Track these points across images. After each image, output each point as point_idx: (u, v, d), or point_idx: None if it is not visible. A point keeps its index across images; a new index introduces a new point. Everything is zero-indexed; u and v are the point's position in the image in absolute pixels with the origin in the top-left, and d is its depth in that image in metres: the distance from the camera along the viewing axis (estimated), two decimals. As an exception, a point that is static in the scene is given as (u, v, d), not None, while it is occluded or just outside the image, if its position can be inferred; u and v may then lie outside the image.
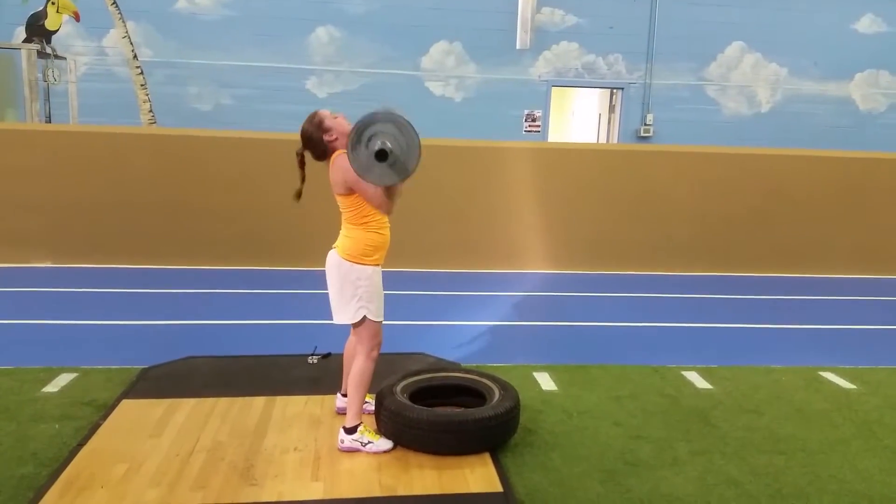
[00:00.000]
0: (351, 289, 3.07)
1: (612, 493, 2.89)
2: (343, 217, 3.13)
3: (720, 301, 6.33)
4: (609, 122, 11.48)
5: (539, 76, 10.86)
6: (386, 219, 3.12)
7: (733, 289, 6.76)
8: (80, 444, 3.10)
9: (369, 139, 2.79)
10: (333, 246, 3.17)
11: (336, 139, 3.04)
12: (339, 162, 3.00)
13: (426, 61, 10.62)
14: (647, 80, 10.94)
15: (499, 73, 10.75)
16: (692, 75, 11.03)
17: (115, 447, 3.10)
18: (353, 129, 2.80)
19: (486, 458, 3.09)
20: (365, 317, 3.09)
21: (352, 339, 3.30)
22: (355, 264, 3.06)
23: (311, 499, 2.76)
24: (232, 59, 10.28)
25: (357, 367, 3.13)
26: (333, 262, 3.13)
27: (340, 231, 3.17)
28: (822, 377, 4.35)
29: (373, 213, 3.05)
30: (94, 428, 3.27)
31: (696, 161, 7.34)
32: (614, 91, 11.23)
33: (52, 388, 3.75)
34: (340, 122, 3.07)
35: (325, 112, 3.10)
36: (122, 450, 3.07)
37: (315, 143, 3.07)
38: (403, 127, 2.82)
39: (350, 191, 3.01)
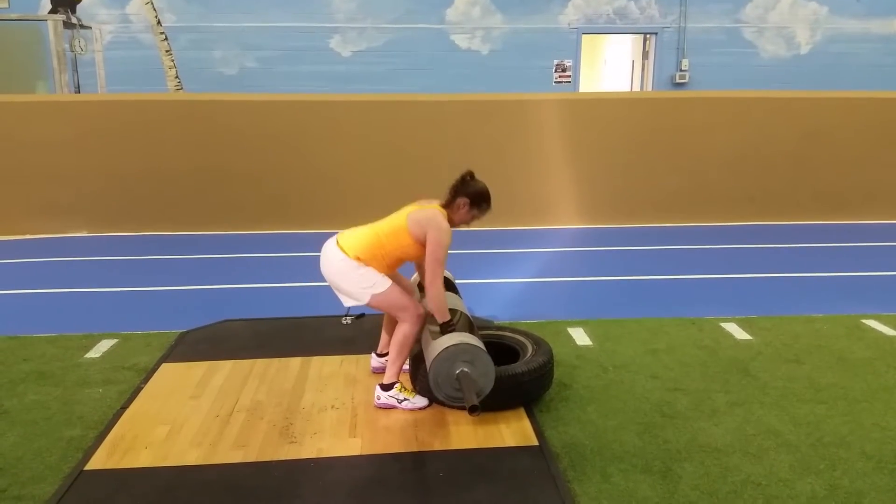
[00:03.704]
0: (347, 278, 3.10)
1: (650, 445, 2.87)
2: (379, 233, 3.14)
3: (758, 250, 6.19)
4: (643, 70, 11.13)
5: (568, 24, 10.55)
6: (397, 265, 3.21)
7: (772, 237, 6.60)
8: (124, 407, 3.19)
9: (458, 375, 2.93)
10: (337, 239, 3.17)
11: (457, 214, 3.17)
12: (436, 223, 3.06)
13: (451, 13, 10.38)
14: (682, 24, 10.56)
15: (526, 22, 10.46)
16: (728, 17, 10.60)
17: (157, 409, 3.17)
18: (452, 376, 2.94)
19: (521, 412, 3.10)
20: (372, 294, 3.08)
21: None
22: (353, 261, 3.08)
23: (351, 454, 2.80)
24: (254, 20, 10.18)
25: (401, 330, 3.13)
26: (330, 255, 3.14)
27: (358, 230, 3.19)
28: (865, 325, 4.24)
29: (404, 257, 3.16)
30: (136, 391, 3.36)
31: (732, 107, 7.11)
32: (647, 36, 10.87)
33: (95, 353, 3.85)
34: (464, 218, 3.19)
35: (473, 214, 3.22)
36: (164, 412, 3.15)
37: (459, 194, 3.16)
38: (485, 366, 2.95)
39: (417, 240, 3.08)
